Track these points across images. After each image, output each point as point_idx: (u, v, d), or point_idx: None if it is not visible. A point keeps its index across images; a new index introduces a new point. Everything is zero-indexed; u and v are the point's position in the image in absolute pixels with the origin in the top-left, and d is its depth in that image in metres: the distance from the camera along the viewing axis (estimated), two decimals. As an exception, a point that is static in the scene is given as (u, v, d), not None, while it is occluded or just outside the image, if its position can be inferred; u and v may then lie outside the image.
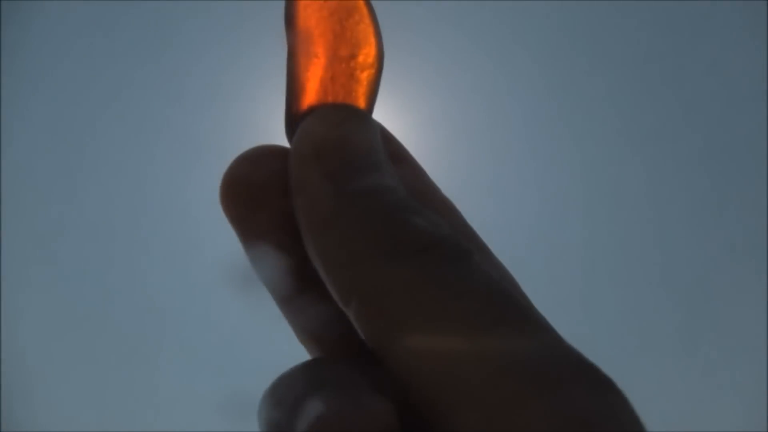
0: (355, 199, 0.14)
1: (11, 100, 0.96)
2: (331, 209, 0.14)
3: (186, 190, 0.98)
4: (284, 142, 0.17)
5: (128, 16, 0.93)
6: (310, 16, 0.18)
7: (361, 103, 0.17)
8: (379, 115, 0.17)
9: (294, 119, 0.17)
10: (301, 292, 0.16)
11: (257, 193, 0.16)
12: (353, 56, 0.18)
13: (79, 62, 1.00)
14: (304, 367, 0.14)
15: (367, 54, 0.18)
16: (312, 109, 0.17)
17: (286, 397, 0.13)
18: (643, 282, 1.11)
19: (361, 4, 0.18)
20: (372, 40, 0.18)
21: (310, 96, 0.18)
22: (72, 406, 1.03)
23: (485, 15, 0.93)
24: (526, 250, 1.01)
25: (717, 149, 1.07)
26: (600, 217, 1.07)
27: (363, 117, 0.16)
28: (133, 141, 0.98)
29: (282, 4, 0.18)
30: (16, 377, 0.96)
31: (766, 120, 1.01)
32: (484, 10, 0.93)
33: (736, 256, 1.09)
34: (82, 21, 0.99)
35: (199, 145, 0.92)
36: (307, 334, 0.16)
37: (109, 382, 1.05)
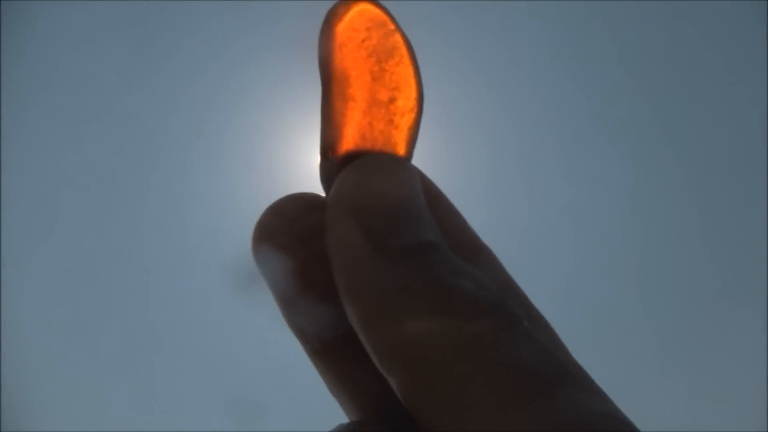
0: (397, 259, 0.14)
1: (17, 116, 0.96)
2: (372, 271, 0.14)
3: (189, 190, 0.98)
4: (316, 186, 0.17)
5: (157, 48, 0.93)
6: (346, 56, 0.17)
7: (401, 149, 0.17)
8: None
9: (330, 167, 0.16)
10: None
11: (289, 248, 0.15)
12: (392, 100, 0.17)
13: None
14: None
15: (407, 98, 0.17)
16: (349, 157, 0.16)
17: None
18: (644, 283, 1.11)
19: (401, 43, 0.17)
20: (412, 82, 0.17)
21: (346, 142, 0.17)
22: (72, 406, 1.03)
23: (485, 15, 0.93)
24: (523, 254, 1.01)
25: (719, 154, 1.07)
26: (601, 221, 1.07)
27: (403, 167, 0.16)
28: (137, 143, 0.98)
29: (315, 39, 0.17)
30: (16, 377, 0.96)
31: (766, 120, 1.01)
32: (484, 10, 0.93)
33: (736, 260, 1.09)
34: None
35: (208, 149, 0.92)
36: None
37: (110, 382, 1.05)
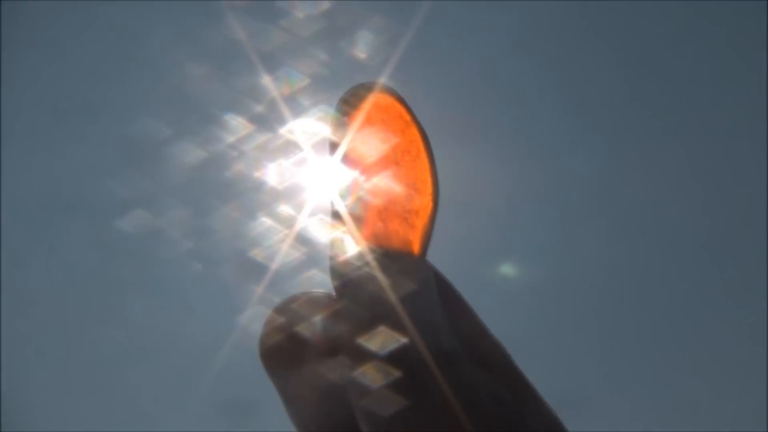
0: (412, 370, 0.14)
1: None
2: (383, 381, 0.14)
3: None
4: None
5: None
6: (360, 152, 0.16)
7: (416, 248, 0.16)
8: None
9: (341, 264, 0.16)
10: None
11: (296, 348, 0.15)
12: (408, 199, 0.16)
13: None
14: None
15: (422, 196, 0.16)
16: (362, 256, 0.16)
17: None
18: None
19: (417, 136, 0.16)
20: (428, 180, 0.16)
21: (360, 239, 0.16)
22: (71, 407, 1.03)
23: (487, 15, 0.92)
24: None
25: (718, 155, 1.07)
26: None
27: (419, 272, 0.15)
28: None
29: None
30: (16, 377, 0.95)
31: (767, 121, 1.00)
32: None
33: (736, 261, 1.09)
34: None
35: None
36: None
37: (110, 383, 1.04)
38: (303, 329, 0.15)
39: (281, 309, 0.16)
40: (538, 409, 0.15)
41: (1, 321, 0.92)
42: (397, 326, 0.14)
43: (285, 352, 0.15)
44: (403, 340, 0.14)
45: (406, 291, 0.15)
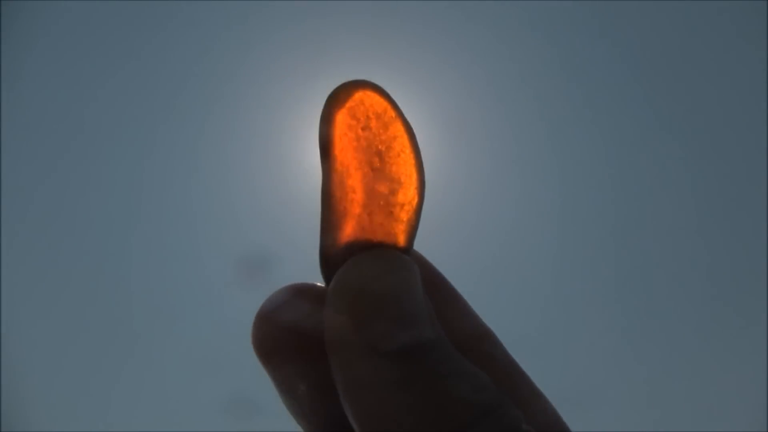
0: (394, 361, 0.14)
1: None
2: (369, 373, 0.14)
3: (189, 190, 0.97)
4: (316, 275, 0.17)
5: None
6: (346, 146, 0.17)
7: (401, 240, 0.17)
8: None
9: (329, 257, 0.16)
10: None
11: (288, 340, 0.16)
12: (393, 192, 0.17)
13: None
14: None
15: (407, 190, 0.17)
16: (348, 249, 0.16)
17: None
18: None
19: (402, 131, 0.17)
20: (413, 174, 0.17)
21: (346, 233, 0.16)
22: (71, 407, 1.03)
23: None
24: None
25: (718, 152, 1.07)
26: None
27: (402, 264, 0.16)
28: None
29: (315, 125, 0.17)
30: (16, 377, 0.96)
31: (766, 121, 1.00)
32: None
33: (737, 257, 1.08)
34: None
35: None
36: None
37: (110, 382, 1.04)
38: (295, 321, 0.16)
39: (273, 300, 0.16)
40: (534, 402, 0.15)
41: (1, 321, 0.92)
42: (386, 318, 0.14)
43: (278, 344, 0.16)
44: (392, 332, 0.14)
45: (390, 283, 0.15)
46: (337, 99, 0.17)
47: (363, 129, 0.17)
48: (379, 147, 0.17)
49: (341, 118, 0.17)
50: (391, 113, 0.17)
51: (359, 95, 0.17)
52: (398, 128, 0.17)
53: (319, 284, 0.17)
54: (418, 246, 0.17)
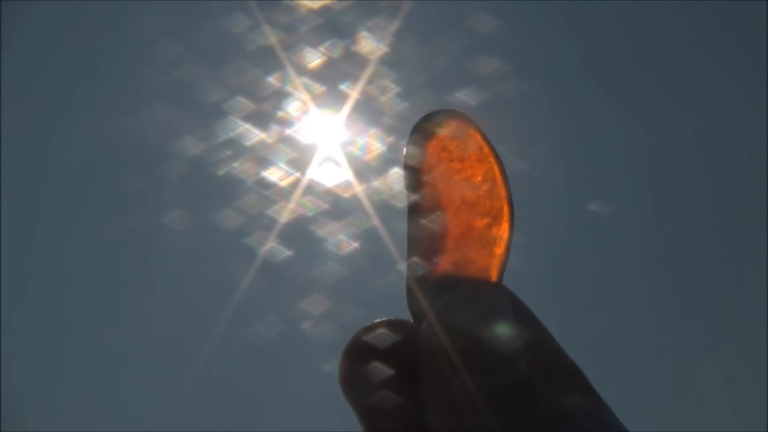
0: (495, 403, 0.14)
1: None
2: (471, 415, 0.14)
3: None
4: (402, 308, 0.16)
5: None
6: (438, 179, 0.16)
7: (493, 275, 0.16)
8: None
9: (419, 297, 0.16)
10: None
11: (378, 379, 0.15)
12: (487, 227, 0.16)
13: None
14: None
15: (500, 225, 0.16)
16: (441, 286, 0.16)
17: None
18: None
19: (494, 164, 0.16)
20: (505, 208, 0.16)
21: (438, 269, 0.16)
22: (71, 407, 1.03)
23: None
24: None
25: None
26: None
27: (497, 300, 0.15)
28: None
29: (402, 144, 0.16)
30: (16, 377, 0.95)
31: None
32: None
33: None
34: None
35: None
36: None
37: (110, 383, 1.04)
38: (385, 358, 0.15)
39: (363, 335, 0.16)
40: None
41: (1, 321, 0.92)
42: (482, 358, 0.14)
43: (366, 380, 0.16)
44: (488, 372, 0.14)
45: (489, 322, 0.15)
46: (428, 128, 0.16)
47: (453, 161, 0.16)
48: (471, 180, 0.16)
49: (433, 150, 0.16)
50: (483, 145, 0.16)
51: (451, 125, 0.16)
52: (491, 162, 0.16)
53: (407, 320, 0.16)
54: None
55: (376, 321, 0.16)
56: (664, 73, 1.07)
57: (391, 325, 0.16)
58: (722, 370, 1.06)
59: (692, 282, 1.14)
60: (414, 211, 0.16)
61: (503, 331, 0.15)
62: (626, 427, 0.16)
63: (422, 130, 0.16)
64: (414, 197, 0.16)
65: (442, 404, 0.14)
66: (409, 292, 0.16)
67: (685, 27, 1.06)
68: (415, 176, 0.16)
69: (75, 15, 0.98)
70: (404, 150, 0.16)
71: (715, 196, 1.10)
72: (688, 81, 1.03)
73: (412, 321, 0.16)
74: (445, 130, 0.16)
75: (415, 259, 0.16)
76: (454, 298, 0.15)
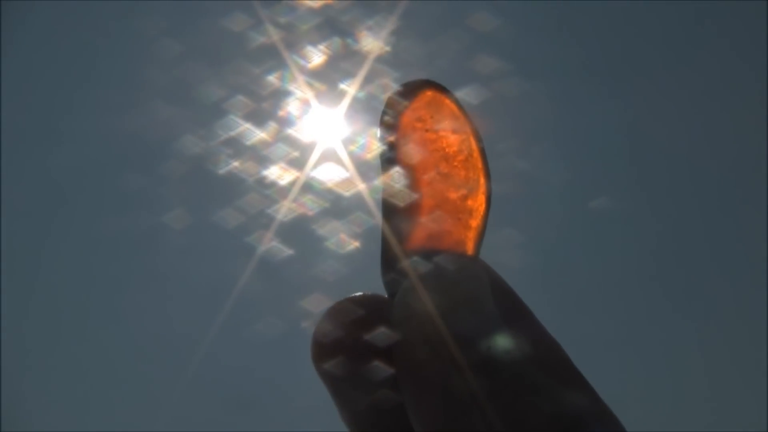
0: (470, 374, 0.13)
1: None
2: (444, 385, 0.13)
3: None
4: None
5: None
6: (411, 150, 0.16)
7: (469, 247, 0.16)
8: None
9: (394, 264, 0.16)
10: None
11: (349, 354, 0.15)
12: (462, 199, 0.16)
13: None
14: None
15: (476, 196, 0.16)
16: (414, 257, 0.15)
17: None
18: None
19: (470, 135, 0.16)
20: (481, 180, 0.16)
21: (413, 242, 0.16)
22: (71, 407, 1.03)
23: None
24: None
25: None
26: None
27: (472, 270, 0.15)
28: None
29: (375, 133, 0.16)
30: (16, 377, 0.96)
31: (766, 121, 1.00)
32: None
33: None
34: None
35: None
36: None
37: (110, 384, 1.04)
38: (356, 333, 0.15)
39: (334, 311, 0.16)
40: (601, 418, 0.15)
41: (1, 321, 0.92)
42: (455, 332, 0.14)
43: (337, 356, 0.15)
44: (465, 347, 0.14)
45: (462, 297, 0.14)
46: (401, 101, 0.16)
47: (428, 131, 0.16)
48: (446, 150, 0.16)
49: (406, 121, 0.16)
50: (459, 115, 0.16)
51: (425, 96, 0.16)
52: (466, 131, 0.16)
53: (379, 295, 0.16)
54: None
55: (345, 298, 0.16)
56: (664, 72, 1.07)
57: (363, 300, 0.16)
58: (722, 370, 1.06)
59: (692, 281, 1.14)
60: (388, 184, 0.16)
61: (478, 305, 0.14)
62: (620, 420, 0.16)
63: (396, 101, 0.16)
64: (388, 168, 0.16)
65: (414, 385, 0.14)
66: (384, 265, 0.16)
67: (685, 26, 1.06)
68: (389, 149, 0.16)
69: (75, 14, 0.98)
70: (379, 120, 0.16)
71: (716, 195, 1.10)
72: (689, 80, 1.03)
73: (386, 296, 0.16)
74: (420, 100, 0.16)
75: (390, 232, 0.16)
76: (427, 272, 0.15)
